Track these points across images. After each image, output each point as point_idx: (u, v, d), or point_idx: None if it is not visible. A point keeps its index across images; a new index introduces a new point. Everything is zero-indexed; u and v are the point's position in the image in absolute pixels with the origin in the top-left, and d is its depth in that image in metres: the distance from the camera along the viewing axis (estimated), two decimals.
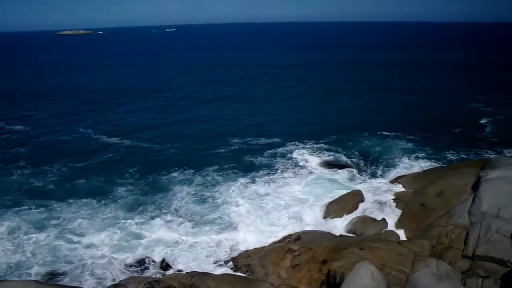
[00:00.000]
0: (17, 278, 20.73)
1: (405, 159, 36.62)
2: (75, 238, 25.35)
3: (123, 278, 20.27)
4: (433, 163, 35.46)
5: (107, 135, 46.61)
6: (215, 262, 22.58)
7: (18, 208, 29.37)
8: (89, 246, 24.54)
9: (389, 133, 43.76)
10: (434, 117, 50.85)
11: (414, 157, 37.05)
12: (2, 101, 66.77)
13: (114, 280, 20.83)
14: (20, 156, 40.53)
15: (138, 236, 25.59)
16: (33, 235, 25.75)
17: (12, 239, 25.37)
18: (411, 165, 35.27)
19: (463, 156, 37.33)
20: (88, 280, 21.30)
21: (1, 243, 25.00)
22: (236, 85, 79.33)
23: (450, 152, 38.27)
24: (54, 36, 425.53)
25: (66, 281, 20.92)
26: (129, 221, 27.37)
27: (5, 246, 24.71)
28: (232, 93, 70.53)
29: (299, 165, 36.03)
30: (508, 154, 36.62)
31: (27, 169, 36.85)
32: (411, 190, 28.49)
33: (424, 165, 35.14)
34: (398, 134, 43.47)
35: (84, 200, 30.49)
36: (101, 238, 25.31)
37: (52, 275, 21.88)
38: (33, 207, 29.51)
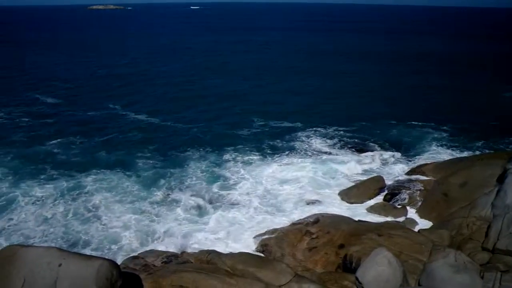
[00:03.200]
0: (41, 245, 21.39)
1: (430, 148, 36.07)
2: (96, 210, 26.01)
3: (142, 251, 20.70)
4: (458, 153, 34.80)
5: (135, 112, 47.25)
6: (232, 240, 22.80)
7: (43, 178, 30.34)
8: (109, 218, 25.12)
9: (416, 122, 42.89)
10: (464, 107, 49.71)
11: (440, 146, 36.45)
12: (40, 74, 68.43)
13: (132, 252, 21.29)
14: (50, 127, 41.62)
15: (157, 212, 26.07)
16: (57, 204, 26.58)
17: (37, 208, 26.23)
18: (436, 154, 34.73)
19: (491, 148, 36.40)
20: (107, 251, 21.86)
21: (27, 211, 25.84)
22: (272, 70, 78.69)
23: (477, 142, 37.43)
24: (86, 10, 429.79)
25: (86, 250, 21.50)
26: (149, 196, 27.91)
27: (30, 213, 25.56)
28: (265, 78, 70.04)
29: (321, 150, 35.84)
30: None
31: (55, 140, 37.86)
32: (434, 179, 28.09)
33: (449, 154, 34.54)
34: (425, 123, 42.57)
35: (107, 172, 31.16)
36: (121, 211, 25.91)
37: (74, 244, 22.54)
38: (59, 177, 30.41)
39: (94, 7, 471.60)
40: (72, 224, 24.51)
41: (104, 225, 24.45)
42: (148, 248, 21.32)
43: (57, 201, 27.00)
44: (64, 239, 23.04)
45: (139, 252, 20.60)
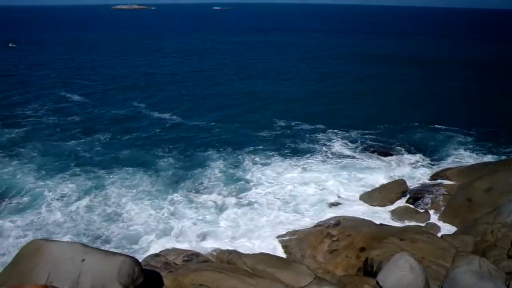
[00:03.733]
0: (64, 239, 21.80)
1: (454, 152, 35.47)
2: (118, 208, 26.38)
3: (163, 249, 20.89)
4: (483, 158, 34.15)
5: (158, 111, 47.82)
6: (252, 241, 22.81)
7: (67, 174, 30.95)
8: (130, 216, 25.47)
9: (441, 126, 42.11)
10: (490, 110, 48.74)
11: (464, 150, 35.80)
12: (67, 73, 70.01)
13: (153, 250, 21.49)
14: (75, 125, 42.48)
15: (176, 211, 26.26)
16: (80, 201, 27.11)
17: (62, 204, 26.80)
18: (460, 158, 34.15)
19: None
20: (128, 249, 22.12)
21: (52, 206, 26.40)
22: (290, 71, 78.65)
23: (503, 147, 36.59)
24: (110, 10, 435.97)
25: (107, 247, 21.80)
26: (168, 195, 28.15)
27: (55, 209, 26.12)
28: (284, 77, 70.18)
29: (343, 153, 35.52)
30: None
31: (79, 138, 38.63)
32: (457, 183, 27.64)
33: (473, 159, 33.93)
34: (449, 127, 41.74)
35: (129, 171, 31.51)
36: (141, 209, 26.22)
37: (95, 240, 22.90)
38: (81, 174, 31.02)
39: (118, 7, 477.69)
40: (95, 221, 24.91)
41: (125, 222, 24.76)
42: (168, 246, 21.50)
43: (81, 198, 27.49)
44: (86, 235, 23.41)
45: (160, 250, 20.78)
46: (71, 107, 49.25)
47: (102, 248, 19.82)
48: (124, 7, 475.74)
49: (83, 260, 14.60)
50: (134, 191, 28.52)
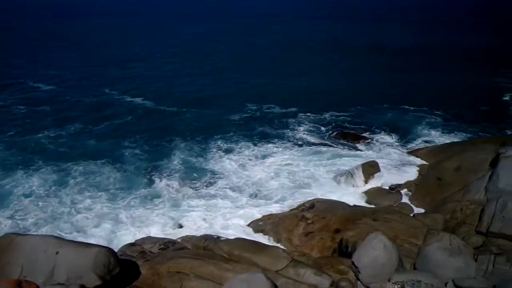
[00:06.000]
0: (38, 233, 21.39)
1: (423, 133, 36.31)
2: (85, 200, 25.87)
3: (139, 238, 20.76)
4: (452, 138, 35.05)
5: (131, 96, 47.34)
6: (228, 227, 22.89)
7: (32, 168, 30.07)
8: (99, 207, 25.09)
9: (410, 107, 43.12)
10: (456, 93, 49.83)
11: (433, 131, 36.71)
12: (34, 64, 67.82)
13: (128, 239, 21.31)
14: (43, 116, 41.37)
15: (147, 200, 26.06)
16: (49, 195, 26.48)
17: (29, 198, 26.13)
18: (430, 139, 34.98)
19: (483, 132, 36.72)
20: (103, 239, 21.81)
21: (18, 201, 25.80)
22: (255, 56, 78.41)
23: (470, 128, 37.70)
24: None
25: (81, 239, 21.47)
26: (136, 185, 27.87)
27: (22, 203, 25.53)
28: (243, 63, 69.93)
29: (314, 137, 35.88)
30: None
31: (47, 129, 37.62)
32: (428, 163, 28.29)
33: (443, 139, 34.78)
34: (418, 108, 42.79)
35: (95, 162, 30.92)
36: (109, 200, 25.90)
37: (68, 233, 22.46)
38: (47, 167, 30.11)
39: None
40: (64, 213, 24.44)
41: (93, 214, 24.30)
42: (144, 235, 21.35)
43: (48, 191, 26.83)
44: (58, 228, 22.93)
45: (135, 239, 20.62)
46: (39, 97, 47.85)
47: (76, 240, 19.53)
48: None
49: (57, 253, 14.39)
50: (101, 183, 27.98)
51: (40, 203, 25.57)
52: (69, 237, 21.62)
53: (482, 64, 66.74)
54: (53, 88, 51.72)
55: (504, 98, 47.23)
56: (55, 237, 15.73)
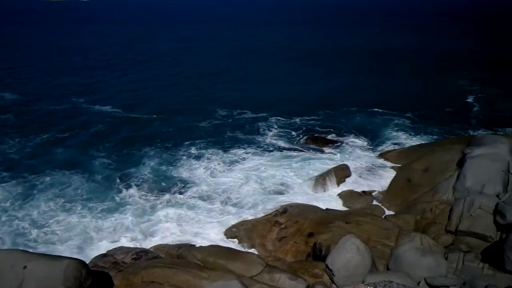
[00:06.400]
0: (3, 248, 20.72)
1: (392, 135, 36.90)
2: (52, 213, 25.21)
3: (111, 248, 20.34)
4: (420, 140, 35.77)
5: (99, 105, 46.38)
6: (202, 234, 22.70)
7: None
8: (66, 219, 24.50)
9: (378, 110, 43.79)
10: (422, 95, 50.88)
11: (402, 134, 37.35)
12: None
13: (99, 250, 20.87)
14: (7, 125, 40.18)
15: (118, 210, 25.58)
16: (13, 208, 25.67)
17: None
18: (399, 141, 35.58)
19: (450, 133, 37.61)
20: (73, 251, 21.33)
21: None
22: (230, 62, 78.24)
23: (437, 129, 38.55)
24: (41, 2, 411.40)
25: (50, 252, 20.87)
26: (105, 195, 27.37)
27: None
28: (221, 69, 69.98)
29: (286, 141, 35.98)
30: (493, 132, 37.04)
31: (11, 139, 36.53)
32: (397, 165, 28.80)
33: (411, 141, 35.45)
34: (386, 111, 43.44)
35: (63, 173, 30.24)
36: (77, 211, 25.33)
37: (35, 247, 21.78)
38: (12, 180, 29.20)
39: None
40: (31, 226, 23.75)
41: (61, 227, 23.72)
42: (115, 246, 20.93)
43: (13, 204, 26.00)
44: (25, 242, 22.28)
45: (107, 250, 20.21)
46: (2, 106, 46.38)
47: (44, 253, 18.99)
48: None
49: (25, 267, 13.94)
50: (69, 194, 27.36)
51: (3, 217, 24.70)
52: (37, 251, 21.05)
53: (447, 67, 68.33)
54: (18, 97, 50.22)
55: (468, 100, 48.59)
56: (23, 250, 15.25)
